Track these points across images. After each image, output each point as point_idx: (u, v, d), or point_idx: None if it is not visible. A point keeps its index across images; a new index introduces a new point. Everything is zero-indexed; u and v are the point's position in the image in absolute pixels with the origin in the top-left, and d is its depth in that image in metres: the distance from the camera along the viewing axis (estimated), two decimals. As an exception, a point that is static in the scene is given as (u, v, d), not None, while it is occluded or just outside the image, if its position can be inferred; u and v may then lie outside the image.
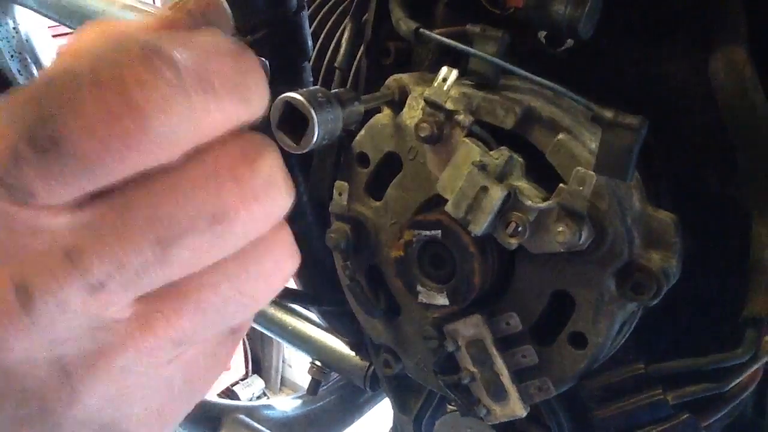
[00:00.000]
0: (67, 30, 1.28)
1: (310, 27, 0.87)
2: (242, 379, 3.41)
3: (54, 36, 1.46)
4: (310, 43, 0.78)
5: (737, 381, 0.55)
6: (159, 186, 0.27)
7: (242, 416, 1.03)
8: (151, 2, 1.55)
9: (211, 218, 0.27)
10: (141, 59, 0.25)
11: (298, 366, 3.42)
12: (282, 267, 0.32)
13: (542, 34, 0.61)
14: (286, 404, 1.17)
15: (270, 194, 0.29)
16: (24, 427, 0.27)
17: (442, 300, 0.60)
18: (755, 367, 0.54)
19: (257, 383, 3.44)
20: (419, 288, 0.61)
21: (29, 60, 1.41)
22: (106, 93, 0.25)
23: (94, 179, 0.26)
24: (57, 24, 1.24)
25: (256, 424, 1.00)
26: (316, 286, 0.90)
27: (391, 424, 0.86)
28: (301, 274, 0.92)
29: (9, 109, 0.26)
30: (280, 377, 3.50)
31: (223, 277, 0.29)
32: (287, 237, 0.32)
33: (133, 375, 0.28)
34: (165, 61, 0.26)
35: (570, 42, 0.60)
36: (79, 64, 0.26)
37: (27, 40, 1.39)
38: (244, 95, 0.29)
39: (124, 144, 0.25)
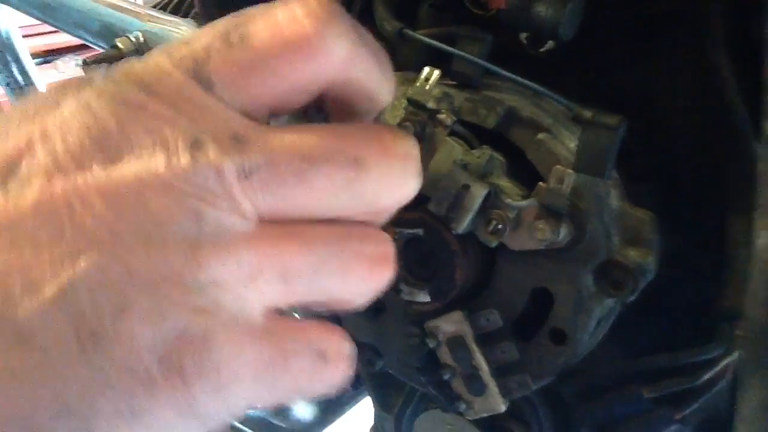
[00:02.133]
0: (47, 29, 1.27)
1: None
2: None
3: (25, 36, 1.45)
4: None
5: (710, 375, 0.56)
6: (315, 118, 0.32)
7: (224, 415, 1.03)
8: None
9: (352, 160, 0.31)
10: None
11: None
12: (376, 264, 0.35)
13: (524, 35, 0.62)
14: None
15: (405, 169, 0.34)
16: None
17: (424, 297, 0.61)
18: (727, 360, 0.55)
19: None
20: (401, 285, 0.62)
21: (9, 59, 1.40)
22: (294, 9, 0.31)
23: (268, 79, 0.30)
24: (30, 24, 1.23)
25: (238, 424, 1.00)
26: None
27: (372, 423, 0.87)
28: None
29: (206, 27, 0.31)
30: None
31: (338, 237, 0.32)
32: (389, 241, 0.35)
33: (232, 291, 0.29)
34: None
35: (551, 43, 0.61)
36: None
37: (7, 38, 1.38)
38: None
39: (299, 53, 0.30)
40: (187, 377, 0.27)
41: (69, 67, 3.77)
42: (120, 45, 0.83)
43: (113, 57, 0.81)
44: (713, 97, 0.54)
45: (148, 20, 0.85)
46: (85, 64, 0.87)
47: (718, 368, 0.57)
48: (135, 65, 0.31)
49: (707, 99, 0.55)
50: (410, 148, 0.34)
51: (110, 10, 0.84)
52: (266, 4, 0.32)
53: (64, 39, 3.20)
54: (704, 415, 0.62)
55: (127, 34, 0.84)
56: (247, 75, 0.30)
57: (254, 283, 0.30)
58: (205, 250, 0.28)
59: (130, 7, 0.88)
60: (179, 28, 0.82)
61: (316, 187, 0.31)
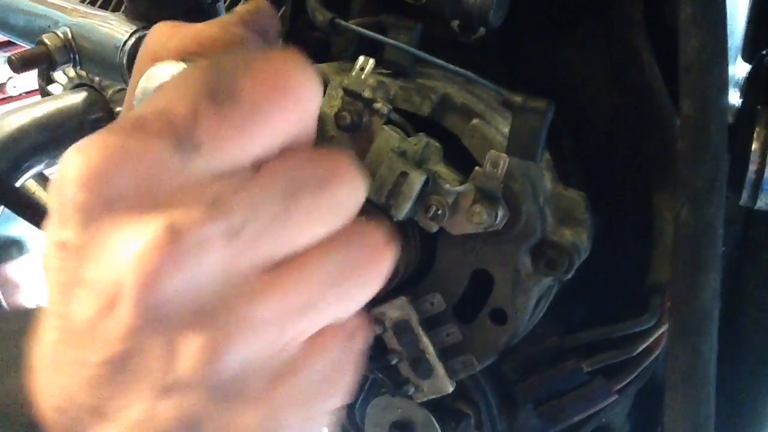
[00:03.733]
0: None
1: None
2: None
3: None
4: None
5: (644, 346, 0.59)
6: (290, 161, 0.33)
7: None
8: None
9: (323, 180, 0.34)
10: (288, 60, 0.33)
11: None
12: (377, 254, 0.37)
13: (455, 23, 0.63)
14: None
15: (356, 181, 0.37)
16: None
17: (367, 284, 0.62)
18: (660, 331, 0.58)
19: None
20: (345, 274, 0.62)
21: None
22: (274, 65, 0.32)
23: (259, 134, 0.32)
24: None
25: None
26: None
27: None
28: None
29: (184, 79, 0.31)
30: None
31: (328, 255, 0.34)
32: (377, 229, 0.38)
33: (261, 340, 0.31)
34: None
35: (482, 30, 0.62)
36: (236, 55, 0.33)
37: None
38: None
39: (291, 104, 0.32)
40: None
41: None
42: (47, 41, 0.80)
43: (40, 54, 0.79)
44: (635, 79, 0.57)
45: (76, 15, 0.82)
46: (11, 61, 0.84)
47: (651, 339, 0.60)
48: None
49: (629, 80, 0.57)
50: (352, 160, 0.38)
51: (35, 5, 0.81)
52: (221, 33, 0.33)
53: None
54: (640, 384, 0.65)
55: (54, 30, 0.81)
56: (239, 133, 0.31)
57: (282, 338, 0.32)
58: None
59: (56, 2, 0.85)
60: (109, 23, 0.80)
61: (302, 220, 0.33)
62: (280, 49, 0.34)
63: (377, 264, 0.37)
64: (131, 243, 0.28)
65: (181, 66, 0.35)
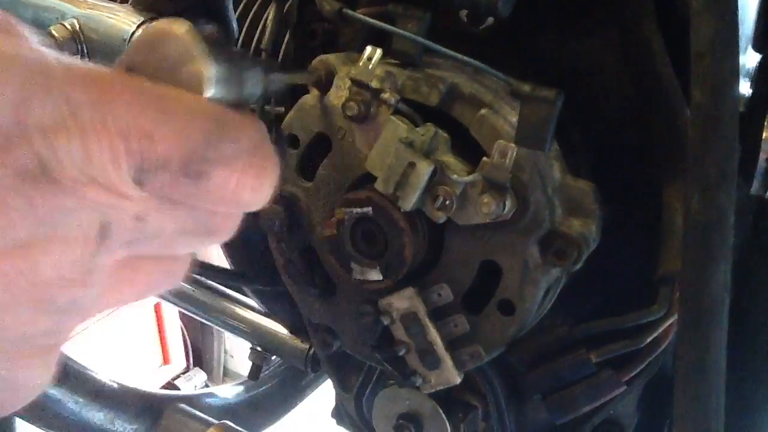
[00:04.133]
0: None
1: (236, 10, 0.86)
2: (183, 373, 3.36)
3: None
4: (235, 25, 0.78)
5: (653, 336, 0.58)
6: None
7: (183, 405, 1.02)
8: None
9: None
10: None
11: (240, 356, 3.39)
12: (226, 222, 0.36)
13: (464, 12, 0.63)
14: (228, 391, 1.17)
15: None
16: None
17: (375, 275, 0.62)
18: (669, 322, 0.58)
19: (199, 376, 3.39)
20: (353, 265, 0.62)
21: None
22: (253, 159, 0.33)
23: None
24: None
25: (197, 412, 1.00)
26: (248, 266, 0.91)
27: (333, 404, 0.87)
28: (233, 255, 0.93)
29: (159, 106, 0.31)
30: (222, 368, 3.47)
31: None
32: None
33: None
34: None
35: (490, 20, 0.62)
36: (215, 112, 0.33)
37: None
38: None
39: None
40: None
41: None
42: (55, 33, 0.80)
43: (48, 45, 0.79)
44: (645, 68, 0.56)
45: (84, 7, 0.82)
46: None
47: (660, 330, 0.59)
48: None
49: (639, 70, 0.57)
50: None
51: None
52: None
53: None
54: (648, 377, 0.64)
55: (62, 21, 0.82)
56: (180, 197, 0.32)
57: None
58: None
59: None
60: (116, 14, 0.80)
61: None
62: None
63: (223, 230, 0.37)
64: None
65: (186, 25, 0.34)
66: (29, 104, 0.28)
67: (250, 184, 0.33)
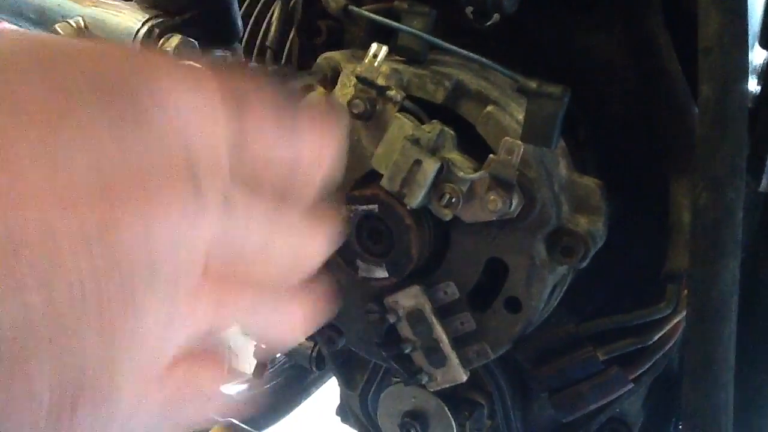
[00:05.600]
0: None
1: (240, 7, 0.86)
2: (188, 371, 3.37)
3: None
4: (240, 23, 0.78)
5: (661, 334, 0.58)
6: None
7: (188, 403, 1.02)
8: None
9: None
10: None
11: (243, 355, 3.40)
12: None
13: (469, 9, 0.63)
14: (231, 389, 1.17)
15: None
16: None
17: (381, 273, 0.61)
18: (677, 319, 0.58)
19: (203, 374, 3.41)
20: (359, 262, 0.62)
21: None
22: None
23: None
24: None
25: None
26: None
27: (338, 402, 0.87)
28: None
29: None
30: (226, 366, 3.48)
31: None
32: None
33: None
34: None
35: (496, 16, 0.62)
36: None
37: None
38: None
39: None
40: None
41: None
42: (60, 31, 0.80)
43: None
44: (652, 64, 0.56)
45: (89, 4, 0.82)
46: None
47: (668, 327, 0.59)
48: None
49: (646, 66, 0.57)
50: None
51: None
52: None
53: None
54: (656, 374, 0.64)
55: (67, 20, 0.81)
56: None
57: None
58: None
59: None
60: (121, 12, 0.80)
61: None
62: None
63: (287, 337, 0.35)
64: None
65: None
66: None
67: (329, 143, 0.32)
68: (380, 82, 0.58)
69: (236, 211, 0.28)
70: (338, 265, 0.66)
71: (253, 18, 0.88)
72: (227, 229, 0.28)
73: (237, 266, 0.30)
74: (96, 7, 0.83)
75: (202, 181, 0.26)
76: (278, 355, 1.07)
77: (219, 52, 0.76)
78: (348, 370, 0.81)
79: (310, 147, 0.31)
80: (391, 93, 0.57)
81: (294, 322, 0.34)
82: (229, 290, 0.30)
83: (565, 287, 0.62)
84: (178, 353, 0.29)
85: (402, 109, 0.57)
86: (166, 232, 0.25)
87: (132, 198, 0.24)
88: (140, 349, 0.26)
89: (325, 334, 0.72)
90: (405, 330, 0.63)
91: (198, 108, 0.27)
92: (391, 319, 0.63)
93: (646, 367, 0.61)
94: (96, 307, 0.24)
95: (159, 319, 0.26)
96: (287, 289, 0.33)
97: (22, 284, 0.22)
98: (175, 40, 0.73)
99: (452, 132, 0.56)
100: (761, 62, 0.62)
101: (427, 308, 0.62)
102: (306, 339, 1.01)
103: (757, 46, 0.64)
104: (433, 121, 0.57)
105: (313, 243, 0.34)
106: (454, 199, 0.55)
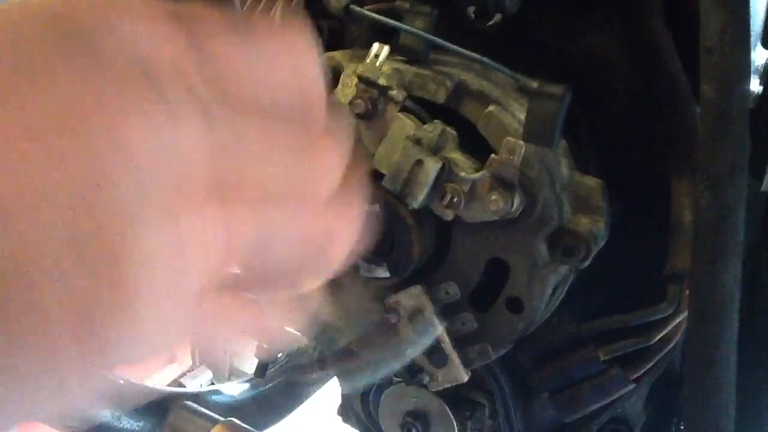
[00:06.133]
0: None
1: (242, 7, 0.86)
2: (189, 371, 3.38)
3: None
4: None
5: (662, 334, 0.58)
6: None
7: (189, 402, 1.02)
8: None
9: None
10: None
11: (245, 354, 3.40)
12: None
13: (471, 9, 0.63)
14: (233, 389, 1.17)
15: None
16: None
17: (382, 273, 0.61)
18: (678, 319, 0.58)
19: (205, 374, 3.41)
20: (360, 262, 0.62)
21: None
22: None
23: None
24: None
25: (203, 409, 1.00)
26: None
27: (339, 402, 0.87)
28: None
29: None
30: (228, 367, 3.48)
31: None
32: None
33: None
34: None
35: (498, 16, 0.62)
36: None
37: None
38: None
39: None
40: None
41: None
42: None
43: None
44: (653, 63, 0.56)
45: None
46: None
47: (669, 327, 0.59)
48: None
49: (647, 65, 0.57)
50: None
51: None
52: None
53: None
54: (657, 374, 0.64)
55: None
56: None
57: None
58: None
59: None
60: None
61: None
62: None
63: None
64: None
65: None
66: None
67: (302, 50, 0.30)
68: (382, 81, 0.58)
69: (224, 125, 0.28)
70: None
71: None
72: (217, 143, 0.28)
73: (242, 189, 0.29)
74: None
75: (162, 82, 0.26)
76: (279, 355, 1.07)
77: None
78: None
79: (283, 58, 0.30)
80: (393, 93, 0.57)
81: (325, 236, 0.33)
82: (239, 212, 0.29)
83: (567, 287, 0.62)
84: (206, 283, 0.29)
85: (403, 109, 0.57)
86: (139, 138, 0.25)
87: (95, 113, 0.25)
88: (155, 271, 0.26)
89: (326, 335, 0.72)
90: (406, 330, 0.63)
91: (150, 29, 0.27)
92: (393, 319, 0.63)
93: (648, 367, 0.61)
94: (89, 227, 0.24)
95: (166, 240, 0.26)
96: (310, 207, 0.32)
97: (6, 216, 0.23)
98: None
99: (454, 132, 0.56)
100: (763, 62, 0.62)
101: (429, 308, 0.62)
102: (309, 339, 1.02)
103: (759, 46, 0.64)
104: (435, 121, 0.57)
105: (323, 164, 0.32)
106: (455, 199, 0.55)
